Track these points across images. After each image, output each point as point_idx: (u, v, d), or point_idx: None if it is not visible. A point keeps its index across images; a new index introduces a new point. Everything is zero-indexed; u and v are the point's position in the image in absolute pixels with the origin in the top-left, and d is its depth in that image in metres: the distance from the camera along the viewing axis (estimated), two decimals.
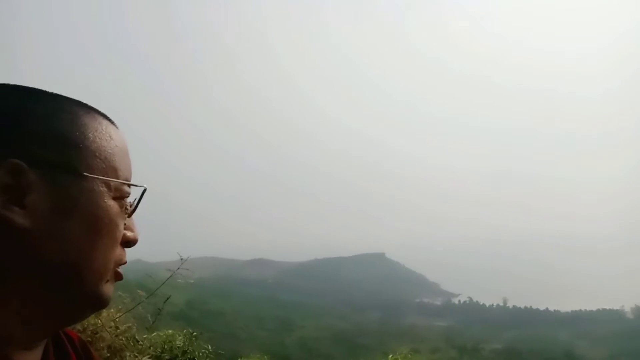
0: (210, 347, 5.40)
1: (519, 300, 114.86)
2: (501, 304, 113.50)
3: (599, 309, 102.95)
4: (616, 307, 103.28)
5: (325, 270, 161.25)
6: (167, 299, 5.33)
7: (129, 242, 0.74)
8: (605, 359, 53.29)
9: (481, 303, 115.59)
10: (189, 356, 4.84)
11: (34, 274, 0.64)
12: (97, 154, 0.68)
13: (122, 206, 0.72)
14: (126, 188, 0.72)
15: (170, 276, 4.91)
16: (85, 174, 0.67)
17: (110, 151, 0.70)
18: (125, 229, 0.73)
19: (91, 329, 3.80)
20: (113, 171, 0.70)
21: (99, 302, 0.71)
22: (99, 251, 0.68)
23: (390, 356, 7.90)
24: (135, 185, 0.74)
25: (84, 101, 0.72)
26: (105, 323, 3.92)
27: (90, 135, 0.69)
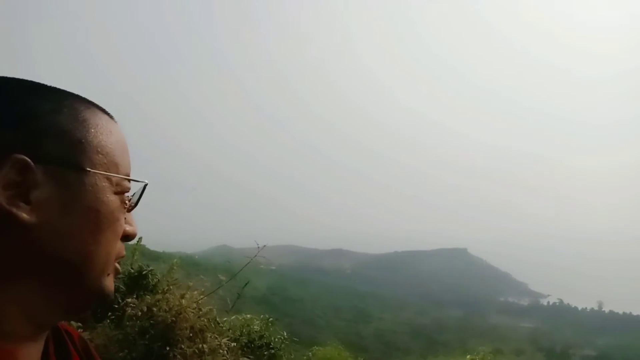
0: (285, 334, 5.54)
1: (616, 305, 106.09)
2: (595, 307, 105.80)
3: None
4: None
5: (404, 263, 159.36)
6: (246, 284, 5.53)
7: (127, 237, 0.75)
8: None
9: (573, 306, 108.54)
10: (265, 341, 4.98)
11: (39, 269, 0.64)
12: (99, 149, 0.69)
13: (123, 201, 0.72)
14: (127, 183, 0.73)
15: (249, 262, 5.08)
16: (88, 169, 0.67)
17: (111, 146, 0.71)
18: (125, 223, 0.74)
19: (176, 309, 4.04)
20: (114, 166, 0.71)
21: (102, 296, 0.71)
22: (102, 246, 0.69)
23: (469, 357, 7.62)
24: (137, 181, 0.74)
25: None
26: (189, 304, 4.14)
27: (92, 130, 0.69)
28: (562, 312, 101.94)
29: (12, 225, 0.62)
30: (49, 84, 0.70)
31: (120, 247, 0.74)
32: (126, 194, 0.74)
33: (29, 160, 0.63)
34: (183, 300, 4.13)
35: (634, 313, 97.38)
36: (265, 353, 4.92)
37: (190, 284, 4.51)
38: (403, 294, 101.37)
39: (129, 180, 0.73)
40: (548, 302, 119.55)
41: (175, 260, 5.10)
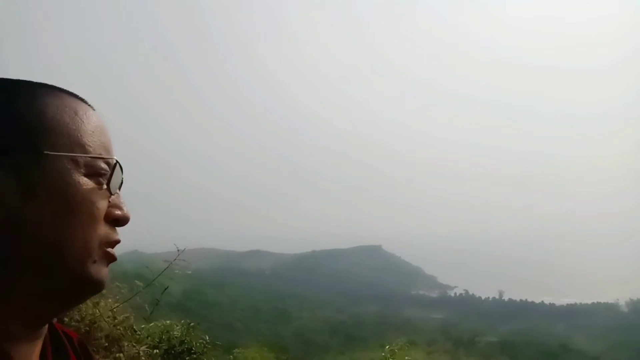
0: (207, 338, 5.41)
1: (515, 293, 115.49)
2: (497, 297, 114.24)
3: (594, 302, 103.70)
4: (611, 300, 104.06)
5: (322, 262, 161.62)
6: (165, 289, 5.33)
7: (117, 221, 0.72)
8: (600, 352, 53.64)
9: (477, 296, 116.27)
10: (186, 346, 4.83)
11: (14, 262, 0.62)
12: (58, 131, 0.67)
13: (100, 183, 0.69)
14: (101, 164, 0.70)
15: (167, 267, 4.90)
16: (46, 152, 0.65)
17: (74, 127, 0.68)
18: (111, 206, 0.71)
19: (89, 318, 3.79)
20: (80, 147, 0.68)
21: (90, 285, 0.68)
22: (76, 230, 0.66)
23: (387, 347, 7.93)
24: (103, 158, 0.71)
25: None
26: (103, 313, 3.91)
27: (49, 113, 0.67)
28: (468, 302, 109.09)
29: None
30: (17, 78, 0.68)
31: (107, 231, 0.70)
32: (104, 177, 0.70)
33: None
34: (97, 309, 3.90)
35: (529, 300, 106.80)
36: (187, 358, 4.78)
37: (104, 291, 4.26)
38: (322, 292, 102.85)
39: (103, 160, 0.70)
40: (455, 294, 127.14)
41: None
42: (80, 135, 0.68)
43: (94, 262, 0.68)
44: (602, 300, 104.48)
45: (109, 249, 0.71)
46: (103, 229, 0.69)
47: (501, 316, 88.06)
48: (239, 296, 68.92)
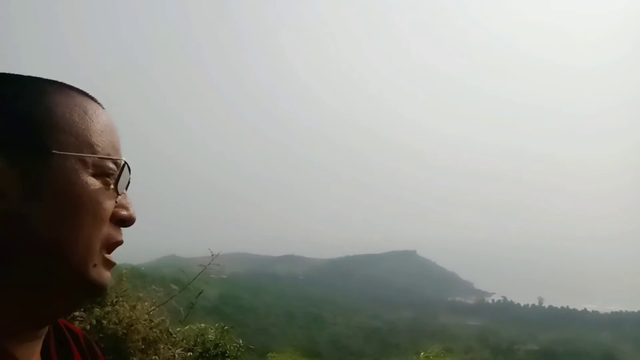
0: (241, 342, 5.46)
1: (556, 300, 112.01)
2: (537, 303, 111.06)
3: None
4: None
5: (356, 267, 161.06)
6: (200, 293, 5.42)
7: (123, 221, 0.71)
8: None
9: (516, 302, 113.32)
10: (220, 349, 4.89)
11: (12, 259, 0.62)
12: (67, 130, 0.66)
13: (107, 184, 0.68)
14: (109, 164, 0.69)
15: (202, 271, 4.99)
16: (54, 151, 0.64)
17: (83, 127, 0.67)
18: (117, 207, 0.70)
19: (126, 321, 3.90)
20: (88, 147, 0.67)
21: (91, 287, 0.67)
22: (80, 230, 0.64)
23: (422, 354, 7.82)
24: (112, 159, 0.70)
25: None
26: (140, 316, 4.01)
27: (58, 111, 0.66)
28: (506, 309, 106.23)
29: None
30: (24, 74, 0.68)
31: (111, 232, 0.69)
32: (112, 177, 0.69)
33: None
34: (134, 312, 4.00)
35: (570, 307, 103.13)
36: None
37: (141, 294, 4.37)
38: (356, 298, 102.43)
39: (112, 161, 0.69)
40: (493, 300, 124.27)
41: (124, 271, 4.93)
42: (89, 135, 0.67)
43: (94, 265, 0.66)
44: None
45: (107, 255, 0.69)
46: (107, 230, 0.68)
47: (541, 324, 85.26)
48: (273, 301, 69.38)
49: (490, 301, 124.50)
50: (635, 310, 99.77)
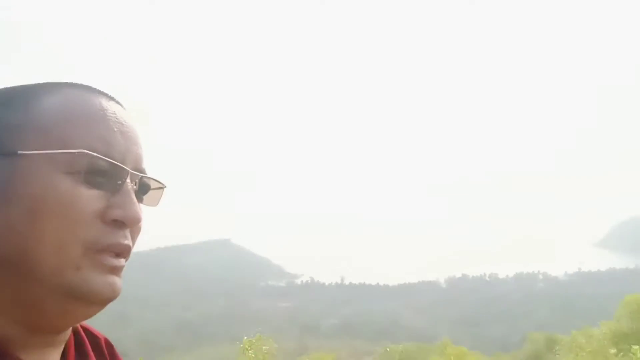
0: None
1: (355, 277, 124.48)
2: (339, 281, 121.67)
3: (420, 281, 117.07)
4: (432, 278, 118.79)
5: (167, 259, 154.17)
6: None
7: (118, 222, 0.63)
8: (425, 325, 60.89)
9: (321, 282, 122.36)
10: None
11: None
12: (37, 128, 0.61)
13: (91, 181, 0.61)
14: (95, 161, 0.61)
15: None
16: (19, 152, 0.60)
17: (54, 120, 0.62)
18: (109, 206, 0.62)
19: None
20: (59, 142, 0.61)
21: (79, 292, 0.60)
22: (49, 234, 0.59)
23: (245, 339, 7.76)
24: (99, 157, 0.61)
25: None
26: None
27: (30, 110, 0.62)
28: (313, 289, 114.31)
29: None
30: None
31: (102, 235, 0.62)
32: (100, 174, 0.62)
33: None
34: None
35: (366, 282, 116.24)
36: None
37: None
38: (167, 291, 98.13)
39: (91, 156, 0.61)
40: (301, 281, 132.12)
41: None
42: (62, 130, 0.62)
43: (78, 269, 0.61)
44: (426, 278, 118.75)
45: (109, 259, 0.63)
46: (93, 232, 0.62)
47: (343, 300, 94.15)
48: None
49: (299, 282, 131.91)
50: (415, 281, 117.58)
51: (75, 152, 0.61)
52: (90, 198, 0.61)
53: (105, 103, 0.66)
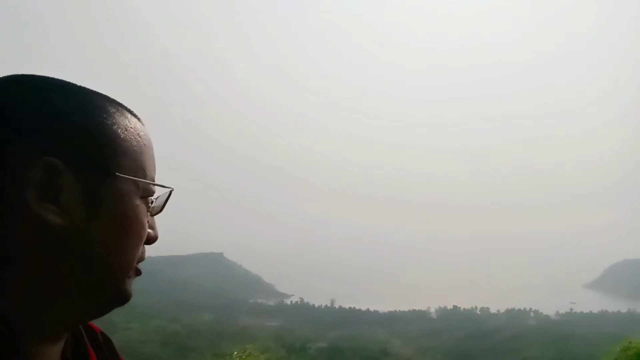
0: None
1: (345, 300, 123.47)
2: (329, 304, 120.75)
3: (410, 310, 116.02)
4: (424, 308, 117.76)
5: (156, 269, 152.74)
6: None
7: (149, 240, 0.75)
8: (413, 355, 60.13)
9: (311, 304, 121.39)
10: None
11: (63, 271, 0.64)
12: (127, 153, 0.69)
13: (147, 205, 0.73)
14: (152, 187, 0.73)
15: None
16: (117, 174, 0.67)
17: (139, 150, 0.71)
18: (149, 227, 0.74)
19: None
20: (141, 171, 0.70)
21: (122, 298, 0.72)
22: (126, 250, 0.69)
23: (235, 353, 7.70)
24: (163, 186, 0.75)
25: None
26: None
27: (120, 133, 0.69)
28: (302, 310, 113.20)
29: (39, 228, 0.62)
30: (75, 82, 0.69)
31: (142, 250, 0.74)
32: (150, 198, 0.73)
33: (59, 162, 0.63)
34: None
35: (357, 307, 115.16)
36: None
37: None
38: (156, 301, 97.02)
39: (155, 185, 0.73)
40: (291, 302, 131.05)
41: None
42: (142, 159, 0.71)
43: (129, 277, 0.72)
44: (417, 307, 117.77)
45: (137, 265, 0.74)
46: (141, 248, 0.73)
47: (332, 323, 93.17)
48: None
49: (289, 302, 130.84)
50: (406, 309, 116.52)
51: (153, 184, 0.73)
52: (147, 219, 0.73)
53: (147, 132, 0.75)
